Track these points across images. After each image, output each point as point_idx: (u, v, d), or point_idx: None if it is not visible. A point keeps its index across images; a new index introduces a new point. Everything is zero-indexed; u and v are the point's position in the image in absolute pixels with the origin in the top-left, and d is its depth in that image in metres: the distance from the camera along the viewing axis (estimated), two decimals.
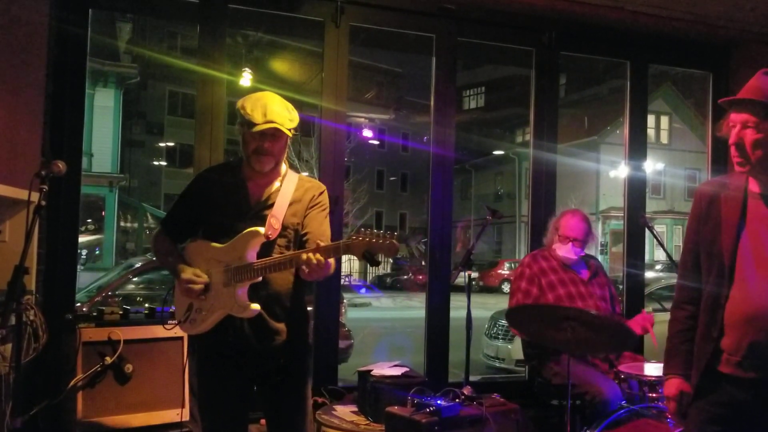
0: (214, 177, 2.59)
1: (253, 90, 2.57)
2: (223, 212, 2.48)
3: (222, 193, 2.51)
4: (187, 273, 2.44)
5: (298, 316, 2.55)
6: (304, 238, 2.49)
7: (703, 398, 2.09)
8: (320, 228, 2.52)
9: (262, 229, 2.40)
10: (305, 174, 2.89)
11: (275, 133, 2.40)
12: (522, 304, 3.56)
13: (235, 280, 2.39)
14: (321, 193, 2.59)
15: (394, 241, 2.17)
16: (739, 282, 2.03)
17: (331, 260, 2.39)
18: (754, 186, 2.10)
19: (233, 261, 2.40)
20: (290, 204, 2.50)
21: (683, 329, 2.20)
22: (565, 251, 3.67)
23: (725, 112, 2.15)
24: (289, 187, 2.52)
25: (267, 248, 2.43)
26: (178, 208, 2.62)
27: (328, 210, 2.60)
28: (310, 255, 2.24)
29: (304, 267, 2.28)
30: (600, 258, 3.99)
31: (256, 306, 2.39)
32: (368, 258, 2.20)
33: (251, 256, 2.39)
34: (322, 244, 2.28)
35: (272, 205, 2.47)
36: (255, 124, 2.37)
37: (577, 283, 3.66)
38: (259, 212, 2.47)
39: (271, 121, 2.37)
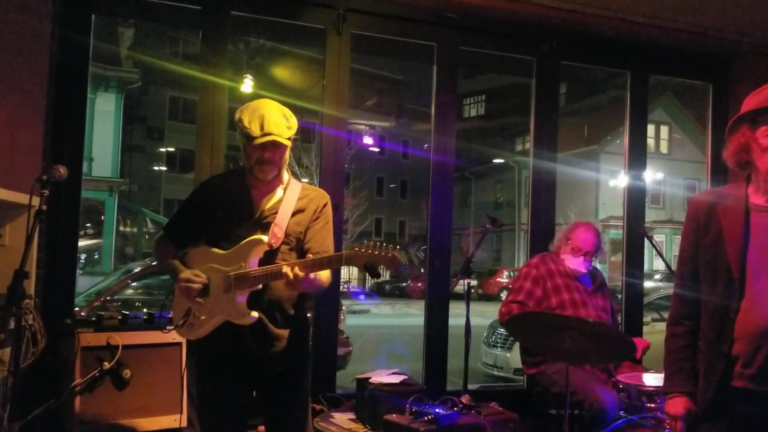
0: (219, 184, 2.60)
1: (254, 97, 2.57)
2: (227, 219, 2.49)
3: (226, 201, 2.51)
4: (186, 273, 2.45)
5: (298, 323, 2.55)
6: (306, 252, 2.50)
7: (712, 416, 2.04)
8: (324, 243, 2.53)
9: (265, 238, 2.41)
10: (306, 181, 2.90)
11: (274, 143, 2.41)
12: (521, 312, 3.56)
13: (235, 287, 2.39)
14: (325, 204, 2.60)
15: (395, 254, 2.17)
16: (749, 295, 1.99)
17: (323, 276, 2.41)
18: (755, 198, 2.08)
19: (234, 268, 2.40)
20: (294, 213, 2.51)
21: (684, 345, 2.15)
22: (576, 264, 3.69)
23: (725, 124, 2.14)
24: (293, 196, 2.53)
25: (270, 256, 2.44)
26: (182, 213, 2.63)
27: (331, 221, 2.61)
28: (287, 269, 2.26)
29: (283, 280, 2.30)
30: (599, 267, 4.01)
31: (254, 314, 2.39)
32: (369, 270, 2.21)
33: (253, 263, 2.39)
34: (311, 256, 2.32)
35: (276, 213, 2.48)
36: (253, 138, 2.38)
37: (581, 291, 3.68)
38: (262, 220, 2.48)
39: (269, 134, 2.38)
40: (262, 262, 2.40)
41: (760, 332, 1.96)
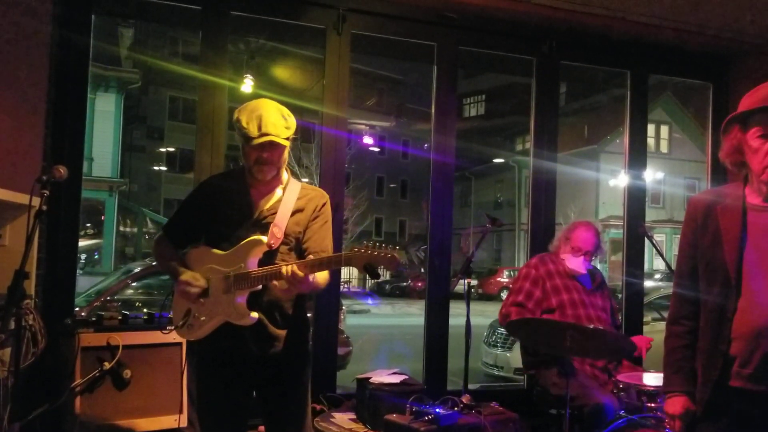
0: (218, 184, 2.60)
1: (254, 97, 2.57)
2: (226, 220, 2.48)
3: (225, 201, 2.51)
4: (186, 275, 2.45)
5: (298, 323, 2.55)
6: (305, 253, 2.50)
7: (711, 414, 2.05)
8: (323, 242, 2.53)
9: (264, 238, 2.41)
10: (305, 180, 2.90)
11: (272, 144, 2.40)
12: (520, 317, 3.55)
13: (235, 288, 2.39)
14: (324, 204, 2.59)
15: (395, 254, 2.17)
16: (746, 294, 2.00)
17: (320, 277, 2.41)
18: (752, 198, 2.08)
19: (234, 268, 2.40)
20: (293, 213, 2.50)
21: (683, 345, 2.15)
22: (575, 264, 3.68)
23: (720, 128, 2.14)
24: (292, 196, 2.52)
25: (270, 256, 2.44)
26: (181, 213, 2.63)
27: (330, 221, 2.61)
28: (288, 267, 2.26)
29: (281, 282, 2.30)
30: (599, 267, 4.01)
31: (254, 314, 2.39)
32: (369, 270, 2.21)
33: (252, 264, 2.39)
34: (311, 256, 2.33)
35: (275, 214, 2.47)
36: (251, 138, 2.37)
37: (581, 291, 3.68)
38: (261, 221, 2.48)
39: (267, 134, 2.37)
40: (261, 263, 2.40)
41: (757, 332, 1.96)
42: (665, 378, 2.22)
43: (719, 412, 2.03)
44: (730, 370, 2.01)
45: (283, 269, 2.28)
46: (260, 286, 2.40)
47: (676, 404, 2.14)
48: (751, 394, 1.98)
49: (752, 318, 1.98)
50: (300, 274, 2.26)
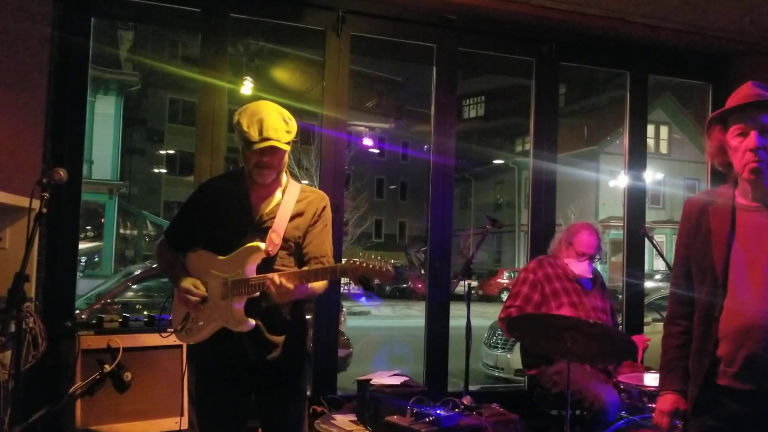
0: (218, 186, 2.59)
1: (254, 99, 2.56)
2: (226, 224, 2.47)
3: (225, 204, 2.50)
4: (187, 282, 2.44)
5: (296, 327, 2.54)
6: (304, 257, 2.50)
7: (700, 412, 2.08)
8: (322, 246, 2.52)
9: (262, 245, 2.39)
10: (305, 182, 2.89)
11: (273, 148, 2.38)
12: (520, 314, 3.55)
13: (232, 294, 2.39)
14: (324, 207, 2.58)
15: (389, 267, 2.21)
16: (732, 294, 2.02)
17: (317, 284, 2.41)
18: (740, 198, 2.11)
19: (232, 274, 2.40)
20: (292, 217, 2.49)
21: (678, 344, 2.19)
22: (581, 269, 3.67)
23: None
24: (291, 199, 2.51)
25: (269, 261, 2.43)
26: (181, 217, 2.62)
27: (330, 224, 2.60)
28: (275, 277, 2.27)
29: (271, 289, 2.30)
30: (599, 268, 4.00)
31: (252, 321, 2.38)
32: (364, 283, 2.24)
33: (250, 270, 2.39)
34: (306, 267, 2.35)
35: (274, 218, 2.46)
36: (252, 143, 2.35)
37: (580, 293, 3.67)
38: (260, 225, 2.47)
39: (268, 138, 2.35)
40: (260, 268, 2.40)
41: (742, 331, 1.99)
42: (660, 377, 2.26)
43: (708, 409, 2.06)
44: (717, 369, 2.04)
45: (274, 278, 2.27)
46: (257, 294, 2.39)
47: (666, 401, 2.18)
48: (737, 392, 2.01)
49: (737, 317, 2.00)
50: (289, 287, 2.26)
